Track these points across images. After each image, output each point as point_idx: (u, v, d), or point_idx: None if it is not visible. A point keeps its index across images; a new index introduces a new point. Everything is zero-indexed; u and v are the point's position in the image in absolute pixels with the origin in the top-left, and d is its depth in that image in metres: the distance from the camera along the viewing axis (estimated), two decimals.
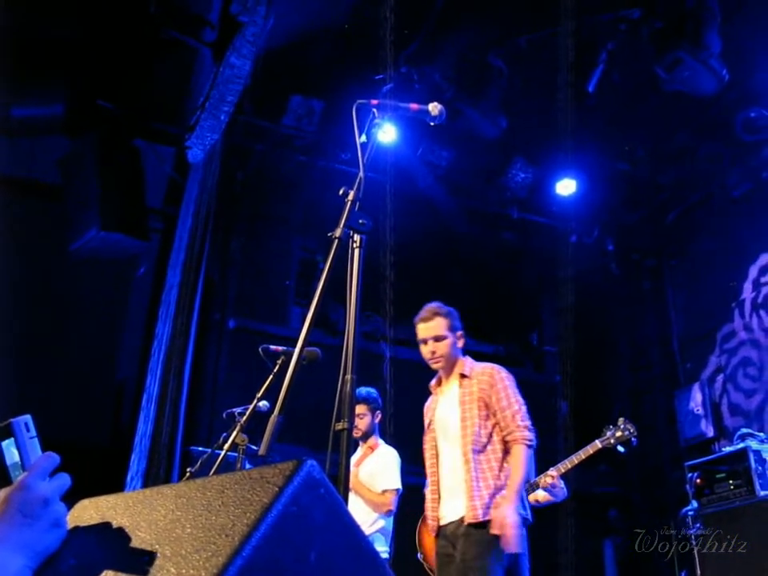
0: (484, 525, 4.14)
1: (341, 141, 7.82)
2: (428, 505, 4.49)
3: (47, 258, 6.81)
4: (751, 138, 7.71)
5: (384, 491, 5.47)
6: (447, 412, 4.51)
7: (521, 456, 4.21)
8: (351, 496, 5.45)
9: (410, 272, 7.74)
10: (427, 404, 4.76)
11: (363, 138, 2.88)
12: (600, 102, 7.65)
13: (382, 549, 5.42)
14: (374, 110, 2.93)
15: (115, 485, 6.08)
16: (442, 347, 4.48)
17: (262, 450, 2.40)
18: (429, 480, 4.53)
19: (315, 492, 1.23)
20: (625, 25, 7.23)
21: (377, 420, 5.73)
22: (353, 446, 5.70)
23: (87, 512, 1.55)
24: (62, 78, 6.62)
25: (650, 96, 7.70)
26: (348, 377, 2.42)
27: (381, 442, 5.76)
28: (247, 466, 4.54)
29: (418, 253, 8.16)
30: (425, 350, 4.52)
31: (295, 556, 1.18)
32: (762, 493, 5.71)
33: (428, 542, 5.34)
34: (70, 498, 1.65)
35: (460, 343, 4.55)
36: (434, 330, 4.49)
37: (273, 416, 2.38)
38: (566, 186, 8.80)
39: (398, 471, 5.59)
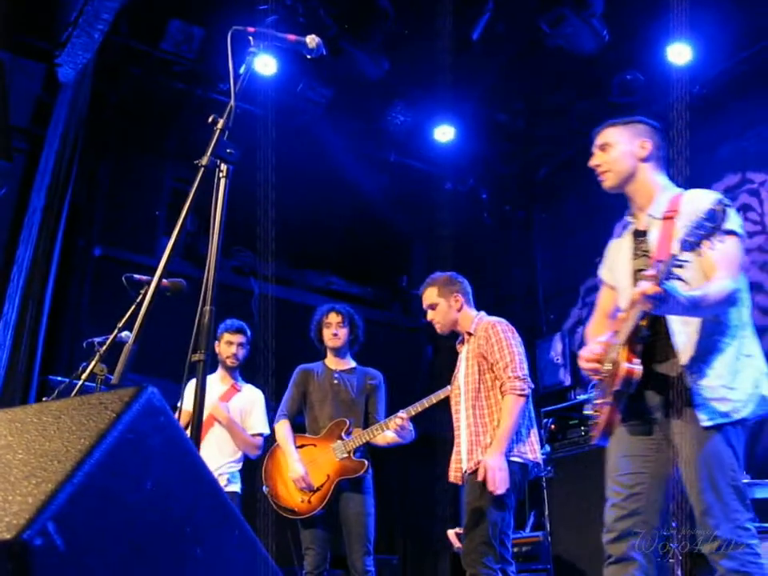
0: (475, 473, 4.34)
1: (220, 70, 7.61)
2: (452, 457, 4.64)
3: None
4: (625, 99, 7.90)
5: (255, 434, 5.51)
6: (459, 370, 4.71)
7: (509, 405, 4.35)
8: (217, 429, 5.45)
9: (286, 210, 7.66)
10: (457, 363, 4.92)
11: (242, 69, 2.81)
12: (483, 52, 7.69)
13: (238, 486, 5.48)
14: (251, 38, 2.85)
15: None
16: (438, 314, 4.74)
17: (115, 379, 2.35)
18: (455, 435, 4.68)
19: (154, 419, 1.20)
20: None
21: (248, 354, 5.72)
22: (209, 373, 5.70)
23: None
24: None
25: (532, 50, 7.79)
26: (207, 308, 2.38)
27: (242, 381, 5.74)
28: None
29: (296, 190, 8.08)
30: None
31: (130, 483, 1.16)
32: None
33: (275, 478, 5.39)
34: None
35: (456, 305, 4.73)
36: (427, 299, 4.79)
37: (127, 344, 2.32)
38: (444, 133, 8.84)
39: (266, 414, 5.65)
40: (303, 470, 5.21)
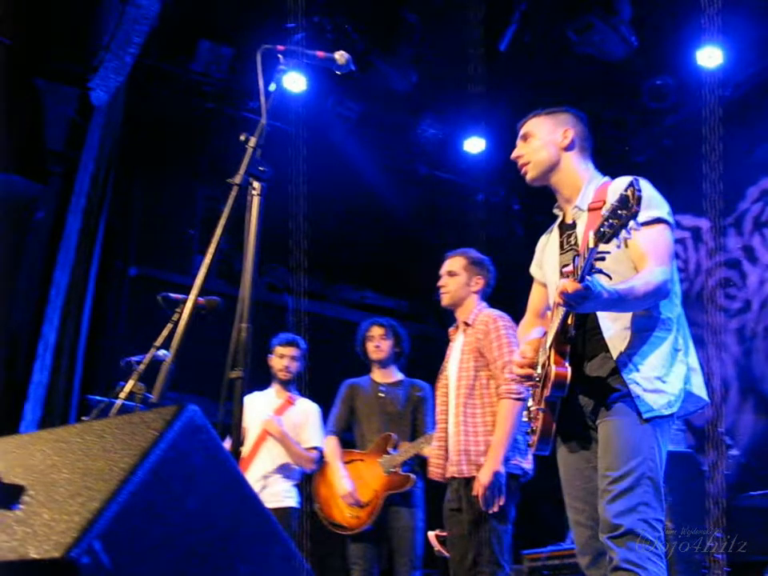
0: (469, 481, 4.20)
1: (250, 89, 7.67)
2: (432, 452, 4.51)
3: None
4: (656, 105, 7.86)
5: (310, 448, 5.45)
6: (452, 361, 4.56)
7: (504, 411, 4.18)
8: (270, 443, 5.44)
9: (319, 224, 7.69)
10: (447, 351, 4.76)
11: (273, 86, 2.83)
12: (511, 62, 7.69)
13: (296, 502, 5.44)
14: (281, 56, 2.88)
15: (7, 434, 5.93)
16: (452, 283, 4.62)
17: (154, 397, 2.37)
18: (438, 427, 4.54)
19: (196, 437, 1.21)
20: None
21: (302, 368, 5.71)
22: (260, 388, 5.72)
23: None
24: None
25: (560, 58, 7.77)
26: (243, 325, 2.40)
27: (298, 394, 5.73)
28: None
29: (328, 205, 8.12)
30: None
31: (174, 501, 1.17)
32: None
33: (325, 495, 5.39)
34: None
35: (475, 287, 4.60)
36: (451, 266, 4.67)
37: (165, 363, 2.34)
38: (474, 144, 8.83)
39: (322, 428, 5.60)
40: (351, 485, 5.20)
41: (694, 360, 3.04)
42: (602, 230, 2.51)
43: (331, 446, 5.39)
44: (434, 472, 4.47)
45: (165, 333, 4.15)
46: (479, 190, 9.48)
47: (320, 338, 6.22)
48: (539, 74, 8.06)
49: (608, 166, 8.93)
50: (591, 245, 2.55)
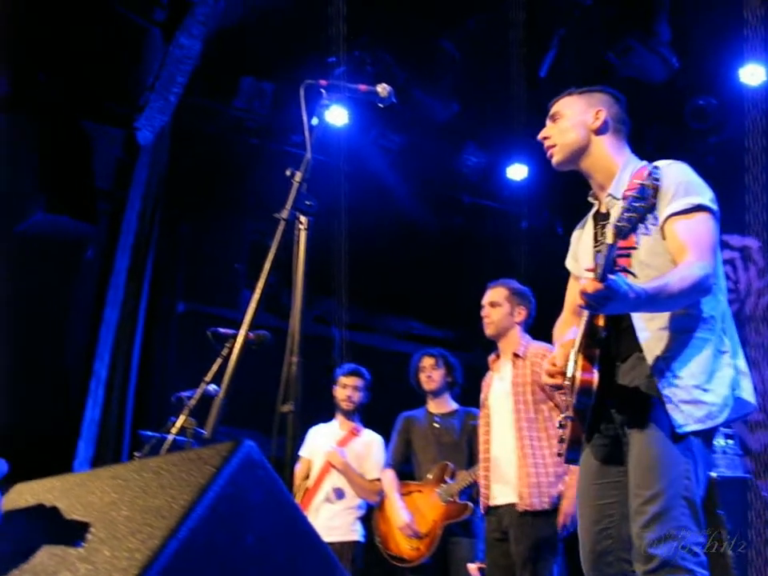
0: (537, 514, 4.19)
1: (292, 123, 7.75)
2: (480, 482, 4.54)
3: None
4: (699, 125, 7.80)
5: (374, 479, 5.44)
6: (500, 393, 4.56)
7: None
8: (334, 476, 5.45)
9: (363, 256, 7.72)
10: (485, 379, 4.79)
11: (315, 121, 2.85)
12: (552, 88, 7.67)
13: (361, 535, 5.44)
14: (323, 90, 2.90)
15: (62, 471, 5.99)
16: (495, 313, 4.61)
17: (207, 433, 2.38)
18: (481, 457, 4.58)
19: (253, 473, 1.22)
20: (578, 11, 7.27)
21: (365, 401, 5.71)
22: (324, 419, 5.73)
23: (23, 497, 1.52)
24: (6, 55, 6.48)
25: (601, 82, 7.73)
26: (293, 359, 2.41)
27: (362, 426, 5.73)
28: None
29: (371, 237, 8.14)
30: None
31: (232, 537, 1.17)
32: None
33: (384, 528, 5.37)
34: (14, 485, 1.62)
35: (518, 317, 4.60)
36: (493, 296, 4.67)
37: (217, 398, 2.36)
38: (517, 171, 8.82)
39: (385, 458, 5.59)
40: (409, 517, 5.17)
41: (742, 362, 2.77)
42: (619, 224, 2.32)
43: (388, 479, 5.37)
44: (483, 496, 4.48)
45: (215, 368, 4.17)
46: (522, 217, 9.46)
47: (368, 369, 6.20)
48: None
49: None
50: (609, 241, 2.36)
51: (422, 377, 5.50)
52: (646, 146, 8.25)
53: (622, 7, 7.01)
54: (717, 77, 7.57)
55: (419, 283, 9.44)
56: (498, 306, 4.63)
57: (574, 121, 2.98)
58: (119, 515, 1.28)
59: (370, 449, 5.56)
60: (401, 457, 5.46)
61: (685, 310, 2.67)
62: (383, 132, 8.13)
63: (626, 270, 2.44)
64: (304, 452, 5.65)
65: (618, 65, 7.24)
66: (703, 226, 2.69)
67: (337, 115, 7.55)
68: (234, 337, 4.20)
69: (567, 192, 9.41)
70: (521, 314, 4.62)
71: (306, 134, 2.77)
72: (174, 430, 4.32)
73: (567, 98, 3.08)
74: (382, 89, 2.96)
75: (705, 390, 2.62)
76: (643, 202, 2.25)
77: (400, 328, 9.39)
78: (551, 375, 2.86)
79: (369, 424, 5.77)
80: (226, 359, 4.14)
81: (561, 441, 2.84)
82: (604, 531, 2.75)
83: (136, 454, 4.96)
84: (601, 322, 2.69)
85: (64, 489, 1.47)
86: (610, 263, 2.37)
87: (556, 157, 3.01)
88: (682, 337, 2.66)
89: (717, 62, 7.43)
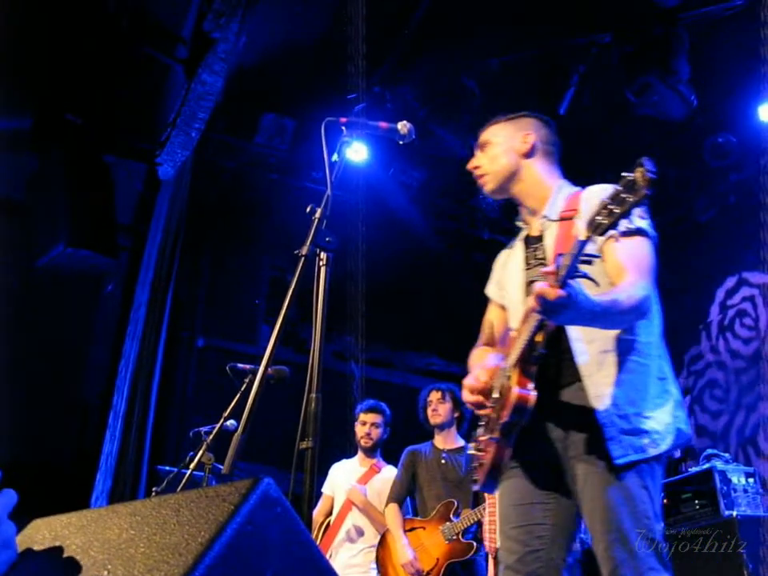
0: None
1: (312, 159, 7.81)
2: (486, 525, 4.63)
3: (12, 274, 6.72)
4: (718, 163, 7.78)
5: None
6: None
7: None
8: (356, 513, 5.42)
9: (382, 292, 7.73)
10: None
11: (335, 157, 2.86)
12: (570, 125, 7.70)
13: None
14: (343, 127, 2.92)
15: (80, 505, 5.98)
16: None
17: (225, 469, 2.37)
18: (489, 500, 4.67)
19: (272, 511, 1.21)
20: (596, 48, 7.29)
21: (385, 437, 5.71)
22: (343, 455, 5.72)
23: (40, 532, 1.52)
24: (30, 91, 6.57)
25: (620, 119, 7.76)
26: (313, 395, 2.40)
27: (383, 462, 5.72)
28: (213, 484, 4.50)
29: (390, 273, 8.16)
30: None
31: (250, 575, 1.17)
32: (727, 512, 5.74)
33: (386, 562, 5.32)
34: (32, 519, 1.62)
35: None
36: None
37: (236, 434, 2.35)
38: None
39: None
40: (412, 554, 5.13)
41: (676, 391, 2.67)
42: (597, 218, 2.11)
43: (392, 514, 5.34)
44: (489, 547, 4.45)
45: (233, 403, 4.18)
46: None
47: (387, 405, 6.19)
48: (598, 135, 8.07)
49: (670, 227, 8.89)
50: (582, 237, 2.16)
51: (429, 411, 5.51)
52: (665, 187, 8.25)
53: (640, 45, 7.03)
54: (736, 115, 7.57)
55: (438, 319, 9.44)
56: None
57: (504, 147, 2.95)
58: (137, 552, 1.27)
59: (390, 486, 5.54)
60: (405, 492, 5.44)
61: (623, 333, 2.57)
62: (403, 168, 8.17)
63: (586, 277, 2.25)
64: (326, 489, 5.64)
65: (637, 102, 7.24)
66: (643, 250, 2.62)
67: (357, 151, 7.60)
68: (253, 372, 4.24)
69: None
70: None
71: (327, 170, 2.78)
72: (191, 465, 4.32)
73: (494, 125, 3.05)
74: (403, 126, 2.98)
75: (646, 418, 2.51)
76: (632, 195, 2.05)
77: (419, 364, 9.38)
78: (473, 392, 2.70)
79: (388, 460, 5.75)
80: (245, 394, 4.16)
81: (478, 466, 2.68)
82: (534, 553, 2.61)
83: (154, 488, 4.96)
84: (541, 338, 2.51)
85: (81, 525, 1.47)
86: (575, 267, 2.20)
87: (488, 185, 2.98)
88: (621, 362, 2.55)
89: (736, 100, 7.44)
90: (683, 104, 7.27)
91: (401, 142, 3.03)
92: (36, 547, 1.45)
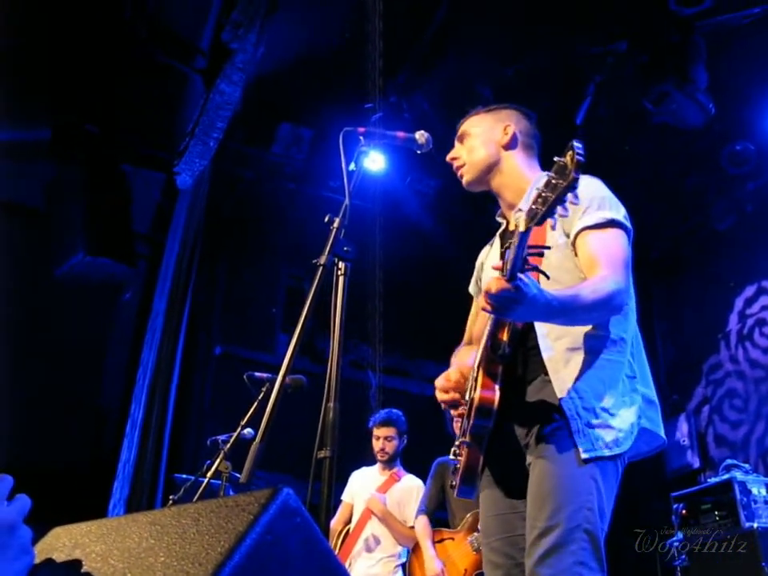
0: None
1: (329, 169, 7.83)
2: None
3: (32, 283, 6.76)
4: (736, 170, 7.75)
5: (413, 526, 5.40)
6: None
7: None
8: (375, 522, 5.41)
9: (398, 301, 7.73)
10: None
11: (352, 166, 2.86)
12: (587, 135, 7.69)
13: None
14: (361, 137, 2.92)
15: (97, 512, 6.01)
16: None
17: (243, 478, 2.37)
18: None
19: (291, 521, 1.21)
20: (612, 58, 7.28)
21: (403, 446, 5.69)
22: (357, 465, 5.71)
23: (60, 540, 1.52)
24: (49, 101, 6.63)
25: (637, 128, 7.75)
26: (330, 405, 2.39)
27: (403, 470, 5.70)
28: (230, 493, 4.51)
29: (406, 281, 8.16)
30: None
31: None
32: (747, 524, 5.69)
33: (416, 572, 5.31)
34: (51, 526, 1.62)
35: None
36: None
37: (254, 443, 2.35)
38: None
39: None
40: (440, 566, 5.12)
41: (650, 391, 2.57)
42: (533, 207, 1.97)
43: (421, 526, 5.32)
44: None
45: (251, 411, 4.19)
46: None
47: (404, 414, 6.19)
48: (616, 145, 8.05)
49: (689, 236, 8.83)
50: (521, 228, 2.01)
51: (455, 424, 5.47)
52: (683, 195, 8.23)
53: (657, 53, 7.01)
54: (754, 122, 7.55)
55: (455, 328, 9.40)
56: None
57: (483, 138, 2.89)
58: (156, 561, 1.28)
59: (410, 495, 5.53)
60: (435, 503, 5.41)
61: (594, 329, 2.46)
62: (419, 177, 8.18)
63: (537, 270, 2.12)
64: (345, 496, 5.63)
65: (654, 111, 7.23)
66: (616, 242, 2.52)
67: (374, 161, 7.60)
68: (270, 381, 4.24)
69: None
70: None
71: (345, 180, 2.77)
72: (209, 474, 4.33)
73: (474, 116, 2.99)
74: (420, 135, 2.97)
75: (612, 414, 2.39)
76: (562, 179, 1.90)
77: (435, 372, 9.35)
78: (445, 391, 2.64)
79: (406, 468, 5.74)
80: (262, 403, 4.17)
81: (454, 470, 2.59)
82: (519, 566, 2.44)
83: (171, 497, 4.97)
84: (504, 336, 2.42)
85: (101, 533, 1.47)
86: (520, 259, 2.05)
87: (466, 176, 2.91)
88: (589, 358, 2.43)
89: (753, 108, 7.41)
90: (701, 112, 7.24)
91: (419, 152, 3.03)
92: (56, 555, 1.46)
